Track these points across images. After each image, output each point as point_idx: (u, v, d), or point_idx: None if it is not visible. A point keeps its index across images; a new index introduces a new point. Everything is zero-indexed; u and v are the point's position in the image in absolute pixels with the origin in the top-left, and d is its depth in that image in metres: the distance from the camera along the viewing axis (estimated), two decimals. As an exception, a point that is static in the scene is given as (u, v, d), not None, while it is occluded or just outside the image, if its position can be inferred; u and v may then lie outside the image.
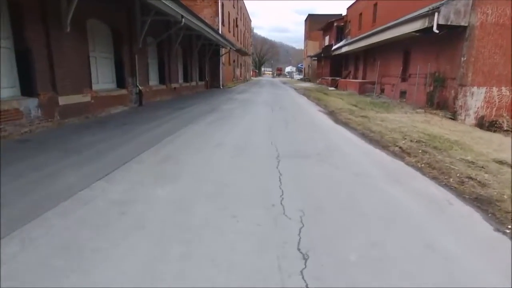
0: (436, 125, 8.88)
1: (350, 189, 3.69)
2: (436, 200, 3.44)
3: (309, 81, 46.14)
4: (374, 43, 17.80)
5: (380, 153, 5.55)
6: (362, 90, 19.47)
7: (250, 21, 55.49)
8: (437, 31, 10.53)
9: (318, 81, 36.69)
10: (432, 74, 12.62)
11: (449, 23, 10.44)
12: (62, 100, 6.85)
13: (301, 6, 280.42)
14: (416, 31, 12.51)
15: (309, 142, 6.12)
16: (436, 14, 10.33)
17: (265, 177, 4.01)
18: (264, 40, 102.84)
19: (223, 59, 24.93)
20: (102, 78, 9.12)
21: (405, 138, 6.55)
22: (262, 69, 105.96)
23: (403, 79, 15.55)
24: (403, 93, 15.43)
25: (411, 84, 14.57)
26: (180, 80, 16.55)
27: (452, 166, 4.65)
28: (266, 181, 3.85)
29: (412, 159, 5.03)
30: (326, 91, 22.58)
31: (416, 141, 6.30)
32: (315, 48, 49.86)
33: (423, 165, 4.74)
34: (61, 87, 6.82)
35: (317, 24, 46.60)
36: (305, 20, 56.06)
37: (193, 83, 18.46)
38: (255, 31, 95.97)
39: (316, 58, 42.76)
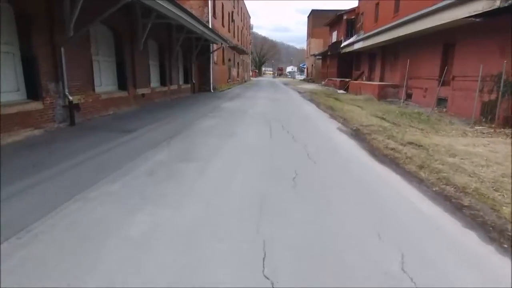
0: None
1: None
2: None
3: (313, 82, 42.52)
4: (399, 37, 14.20)
5: None
6: (382, 94, 15.86)
7: (249, 17, 51.87)
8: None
9: (323, 83, 33.07)
10: (494, 76, 9.00)
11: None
12: None
13: (302, 5, 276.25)
14: (472, 16, 8.92)
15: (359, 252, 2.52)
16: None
17: None
18: (265, 39, 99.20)
19: (214, 57, 21.33)
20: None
21: None
22: (263, 69, 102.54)
23: (442, 82, 11.94)
24: (441, 101, 11.82)
25: (456, 89, 10.95)
26: (154, 84, 12.98)
27: None
28: None
29: None
30: (336, 95, 18.99)
31: None
32: (319, 46, 46.28)
33: None
34: None
35: (322, 20, 43.01)
36: (308, 16, 52.42)
37: (173, 87, 14.88)
38: (255, 30, 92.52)
39: (320, 57, 39.15)
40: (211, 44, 19.11)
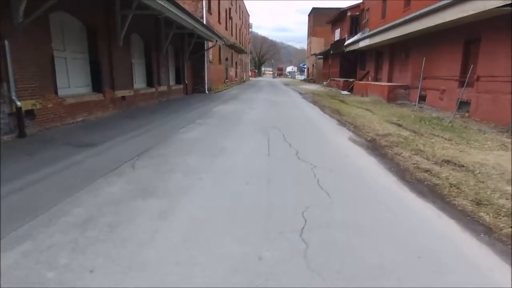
0: None
1: None
2: None
3: (314, 82, 41.15)
4: (411, 33, 12.82)
5: None
6: (392, 96, 14.47)
7: (248, 15, 50.50)
8: None
9: (325, 83, 31.69)
10: (533, 76, 7.62)
11: None
12: None
13: (302, 5, 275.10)
14: (508, 5, 7.53)
15: None
16: None
17: None
18: (264, 39, 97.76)
19: (210, 56, 19.93)
20: None
21: None
22: (262, 69, 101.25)
23: (463, 83, 10.56)
24: (463, 104, 10.42)
25: (482, 92, 9.56)
26: (139, 85, 11.59)
27: None
28: None
29: None
30: (340, 97, 17.61)
31: None
32: (320, 45, 44.94)
33: None
34: None
35: (323, 18, 41.69)
36: (309, 15, 51.04)
37: (162, 88, 13.48)
38: (255, 30, 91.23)
39: (322, 57, 37.76)
40: (205, 42, 17.71)
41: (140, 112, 9.82)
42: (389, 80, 17.20)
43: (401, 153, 5.55)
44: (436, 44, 12.27)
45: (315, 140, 6.61)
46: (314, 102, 14.79)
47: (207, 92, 18.64)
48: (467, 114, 10.15)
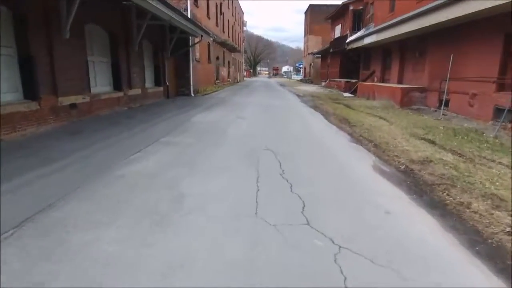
0: None
1: None
2: None
3: (312, 82, 39.11)
4: (430, 25, 10.76)
5: None
6: (407, 100, 12.40)
7: (243, 13, 48.31)
8: None
9: (324, 84, 29.64)
10: None
11: None
12: None
13: (298, 5, 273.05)
14: None
15: None
16: None
17: None
18: (259, 38, 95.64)
19: (197, 54, 17.72)
20: None
21: None
22: (258, 68, 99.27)
23: (503, 86, 8.52)
24: (499, 111, 8.35)
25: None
26: (100, 88, 9.39)
27: None
28: None
29: None
30: (344, 100, 15.52)
31: None
32: (317, 44, 42.97)
33: None
34: None
35: (320, 16, 39.75)
36: (306, 12, 48.95)
37: (135, 91, 11.27)
38: (250, 30, 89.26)
39: (320, 56, 35.72)
40: (190, 38, 15.50)
41: (93, 124, 7.59)
42: (399, 82, 15.14)
43: (469, 203, 3.43)
44: (463, 38, 10.20)
45: (327, 173, 4.45)
46: (315, 107, 12.68)
47: (193, 95, 16.43)
48: (510, 125, 8.08)
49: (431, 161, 5.06)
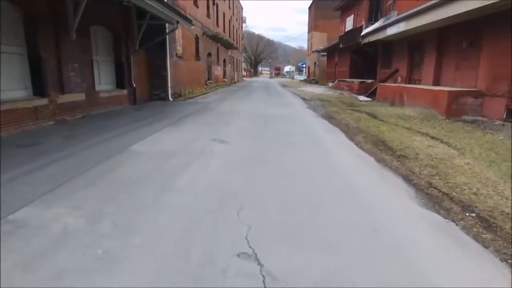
0: None
1: None
2: None
3: (317, 83, 35.69)
4: (488, 5, 7.39)
5: None
6: (456, 109, 8.99)
7: (242, 8, 44.97)
8: None
9: (331, 85, 26.21)
10: None
11: None
12: None
13: (299, 5, 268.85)
14: None
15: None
16: None
17: None
18: (260, 37, 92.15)
19: (178, 48, 14.35)
20: None
21: None
22: (259, 68, 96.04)
23: None
24: None
25: None
26: (6, 94, 6.03)
27: None
28: None
29: None
30: (363, 106, 12.09)
31: None
32: (322, 41, 39.58)
33: None
34: None
35: (325, 10, 36.47)
36: (309, 7, 45.55)
37: (72, 97, 7.88)
38: (251, 30, 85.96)
39: (326, 53, 32.33)
40: (167, 27, 12.13)
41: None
42: (435, 83, 11.73)
43: None
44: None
45: None
46: (329, 118, 9.28)
47: (171, 99, 13.07)
48: None
49: None
